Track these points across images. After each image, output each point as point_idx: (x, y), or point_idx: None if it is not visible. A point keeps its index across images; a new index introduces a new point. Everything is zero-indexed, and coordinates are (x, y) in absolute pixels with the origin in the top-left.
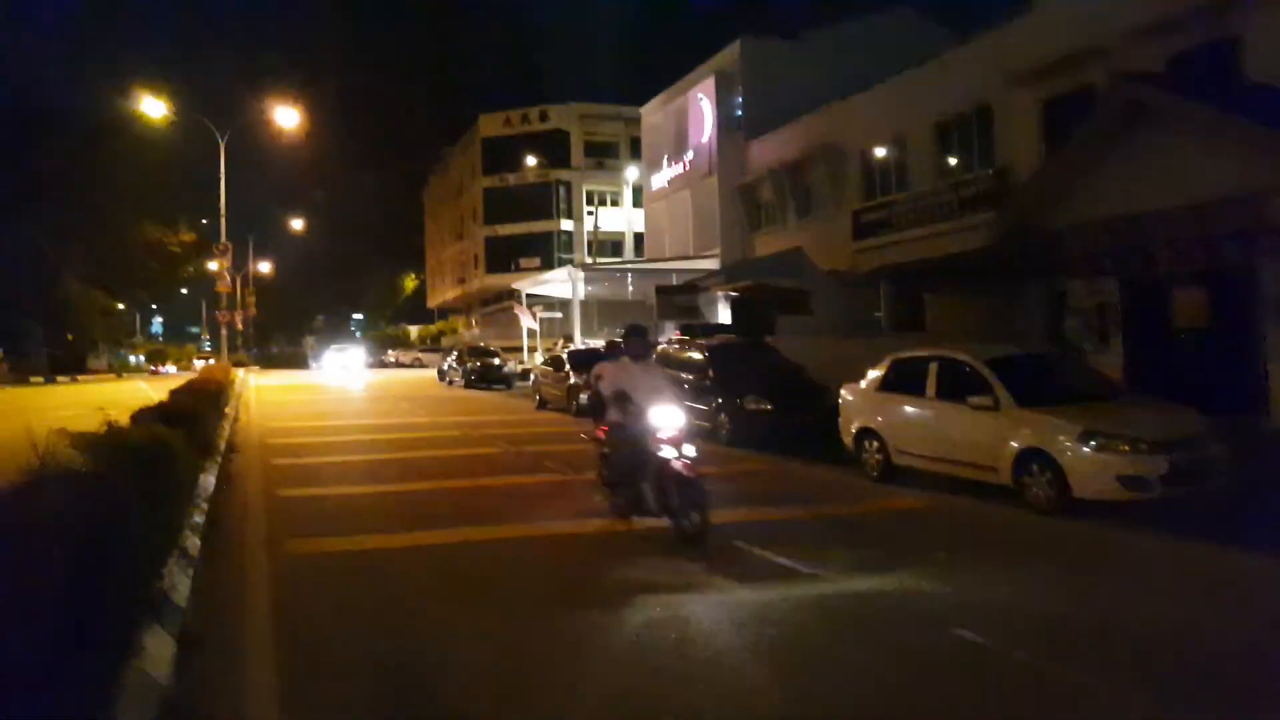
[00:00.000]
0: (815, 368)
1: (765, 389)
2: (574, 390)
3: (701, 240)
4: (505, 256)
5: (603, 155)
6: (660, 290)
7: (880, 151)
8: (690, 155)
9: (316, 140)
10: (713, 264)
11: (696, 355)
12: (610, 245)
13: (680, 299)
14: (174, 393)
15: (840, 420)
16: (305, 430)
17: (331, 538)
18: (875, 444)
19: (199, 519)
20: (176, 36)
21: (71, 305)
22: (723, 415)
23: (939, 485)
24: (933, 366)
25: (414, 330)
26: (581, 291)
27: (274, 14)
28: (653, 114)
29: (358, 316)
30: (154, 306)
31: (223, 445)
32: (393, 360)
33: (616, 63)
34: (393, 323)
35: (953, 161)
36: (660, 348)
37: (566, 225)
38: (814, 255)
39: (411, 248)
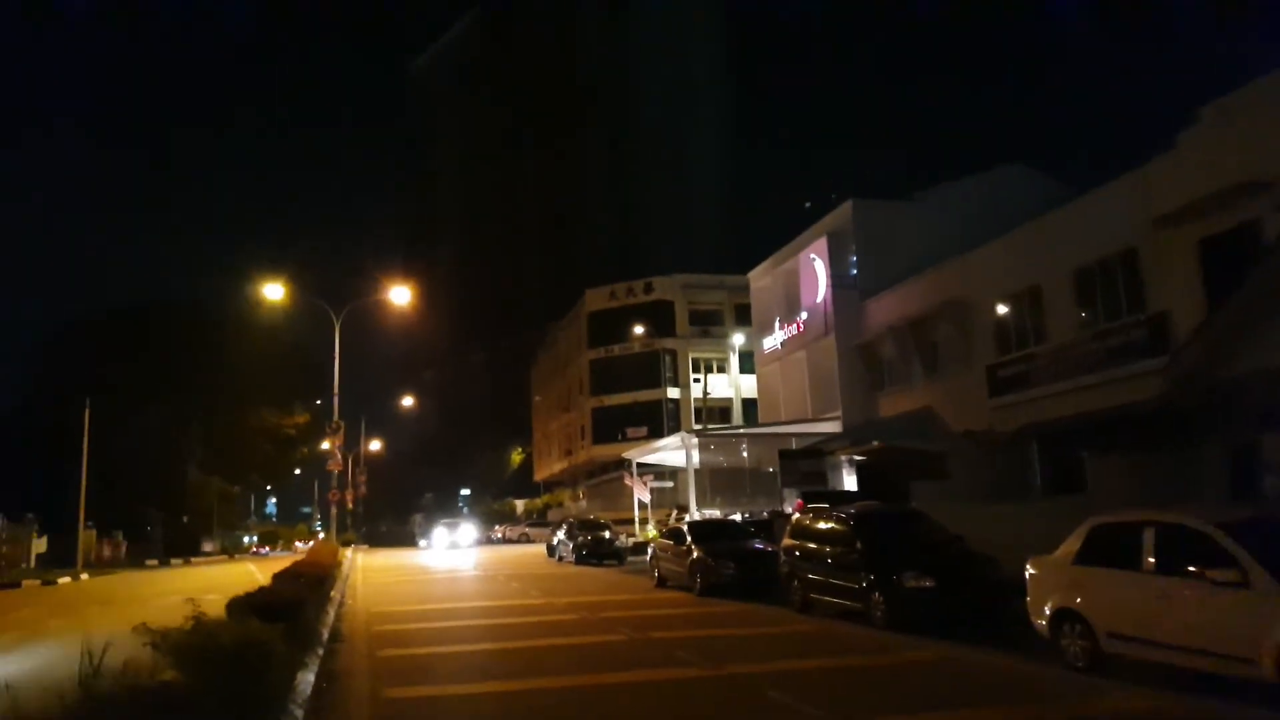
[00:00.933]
0: (968, 538)
1: (924, 563)
2: (697, 566)
3: (820, 402)
4: (612, 427)
5: (707, 323)
6: (784, 455)
7: (1014, 303)
8: (804, 316)
9: (426, 322)
10: (833, 426)
11: (837, 525)
12: (718, 412)
13: (805, 464)
14: (277, 577)
15: (1029, 599)
16: (414, 615)
17: None
18: (1077, 628)
19: None
20: (291, 228)
21: (190, 490)
22: (876, 594)
23: (1165, 679)
24: (1148, 534)
25: (520, 504)
26: (696, 459)
27: (386, 205)
28: (760, 278)
29: (465, 492)
30: (269, 488)
31: (326, 634)
32: (499, 536)
33: (716, 233)
34: (499, 498)
35: (1096, 310)
36: (794, 518)
37: (673, 393)
38: (945, 414)
39: (518, 423)
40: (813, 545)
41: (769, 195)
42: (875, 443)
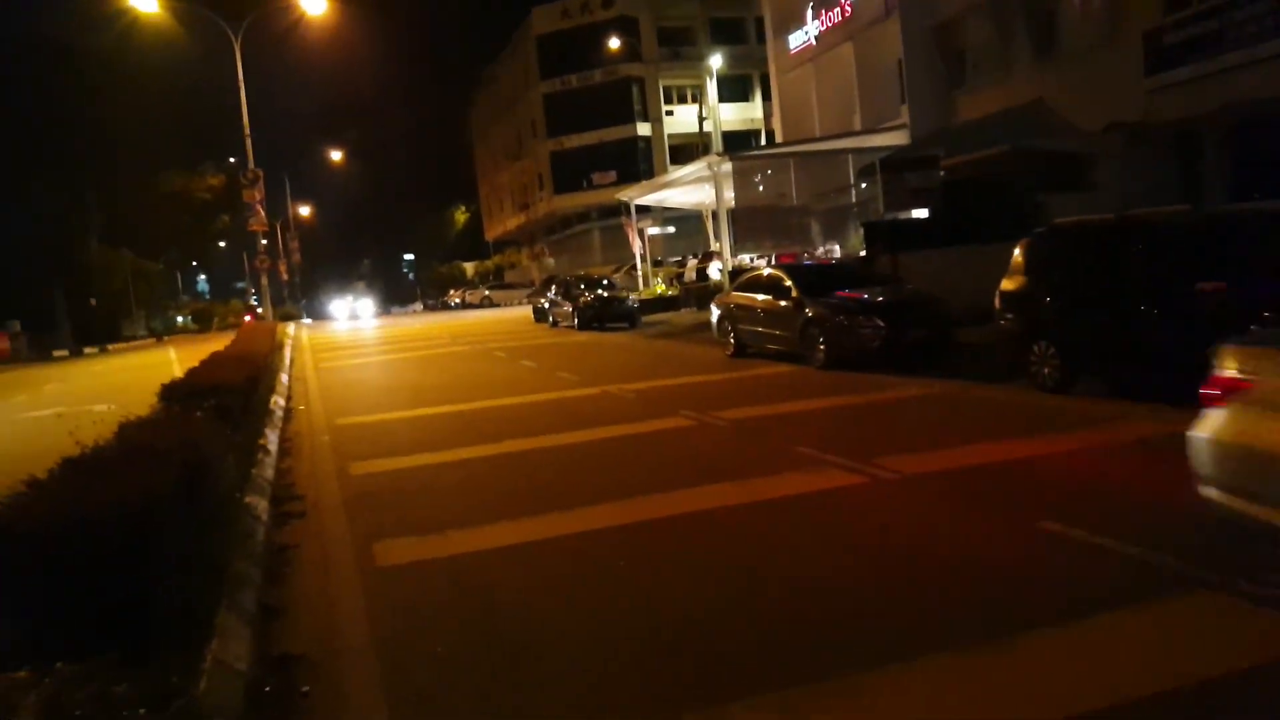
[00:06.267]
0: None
1: None
2: (818, 327)
3: (874, 109)
4: (575, 173)
5: (678, 44)
6: (886, 167)
7: None
8: None
9: (350, 68)
10: (896, 138)
11: (1155, 246)
12: (699, 149)
13: (914, 178)
14: (167, 397)
15: None
16: (409, 431)
17: None
18: None
19: None
20: None
21: (95, 269)
22: None
23: None
24: None
25: (470, 266)
26: (728, 194)
27: None
28: None
29: (409, 257)
30: (195, 264)
31: (266, 511)
32: (457, 301)
33: None
34: (446, 261)
35: None
36: (1026, 245)
37: (643, 129)
38: (1064, 110)
39: (461, 178)
40: (1091, 284)
41: None
42: (999, 147)
